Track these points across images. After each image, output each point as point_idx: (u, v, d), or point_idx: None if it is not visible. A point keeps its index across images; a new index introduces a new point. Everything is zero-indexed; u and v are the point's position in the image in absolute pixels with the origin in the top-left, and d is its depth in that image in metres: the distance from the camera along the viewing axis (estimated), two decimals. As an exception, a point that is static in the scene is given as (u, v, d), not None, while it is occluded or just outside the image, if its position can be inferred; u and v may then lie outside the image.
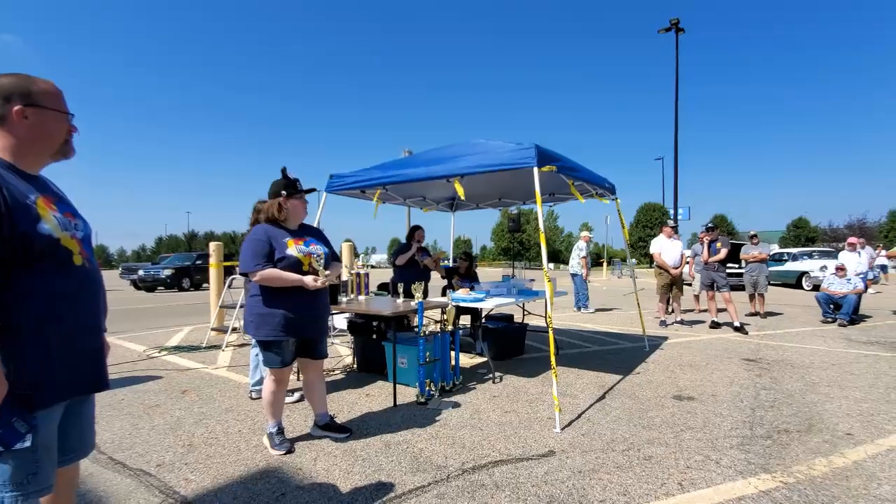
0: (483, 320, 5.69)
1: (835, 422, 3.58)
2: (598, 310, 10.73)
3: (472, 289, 4.84)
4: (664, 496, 2.49)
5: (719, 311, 8.20)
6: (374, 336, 4.88)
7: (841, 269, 8.71)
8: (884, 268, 16.59)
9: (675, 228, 8.45)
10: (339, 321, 6.31)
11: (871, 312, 9.73)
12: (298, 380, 4.09)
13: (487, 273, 30.12)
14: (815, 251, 18.53)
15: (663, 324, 8.18)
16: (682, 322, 8.43)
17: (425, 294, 4.24)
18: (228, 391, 4.40)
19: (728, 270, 8.22)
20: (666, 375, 4.90)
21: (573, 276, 10.48)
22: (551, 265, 49.63)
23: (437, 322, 4.42)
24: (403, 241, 5.90)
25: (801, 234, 44.99)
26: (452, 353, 4.45)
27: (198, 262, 19.89)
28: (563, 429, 3.38)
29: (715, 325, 7.93)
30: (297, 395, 3.95)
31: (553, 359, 3.53)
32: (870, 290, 12.56)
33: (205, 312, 9.10)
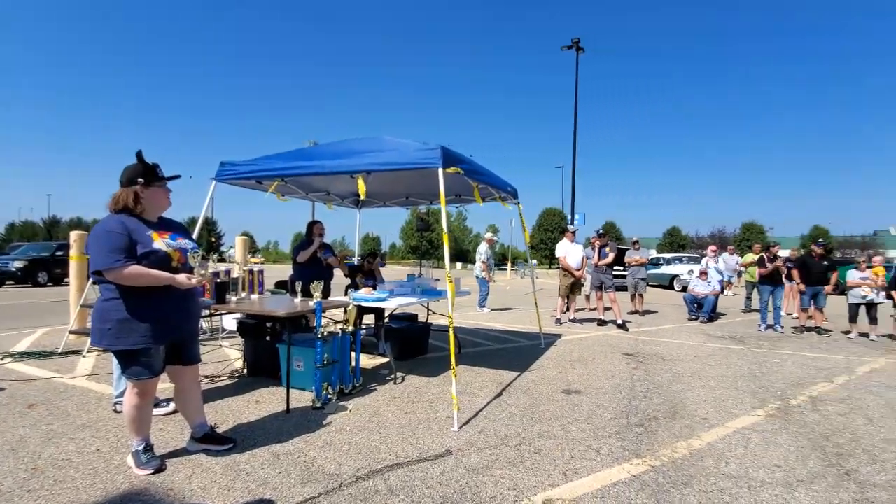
0: (386, 320, 5.60)
1: (694, 408, 4.05)
2: (500, 309, 11.17)
3: (375, 288, 4.73)
4: (550, 487, 2.62)
5: (606, 309, 8.96)
6: (268, 338, 4.56)
7: (703, 273, 9.99)
8: (739, 273, 19.25)
9: (574, 233, 9.06)
10: (229, 322, 5.82)
11: (725, 311, 11.27)
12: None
13: (395, 271, 29.97)
14: (684, 257, 21.14)
15: (559, 322, 8.74)
16: (574, 320, 9.07)
17: (326, 293, 4.06)
18: (88, 404, 3.82)
19: (614, 272, 9.01)
20: (558, 371, 5.21)
21: (476, 277, 10.80)
22: (459, 265, 50.91)
23: (337, 322, 4.25)
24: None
25: (675, 242, 51.16)
26: (353, 355, 4.30)
27: (58, 253, 17.13)
28: (460, 427, 3.42)
29: (602, 323, 8.65)
30: (171, 406, 3.54)
31: (453, 359, 3.57)
32: (727, 292, 14.60)
33: (63, 312, 7.86)
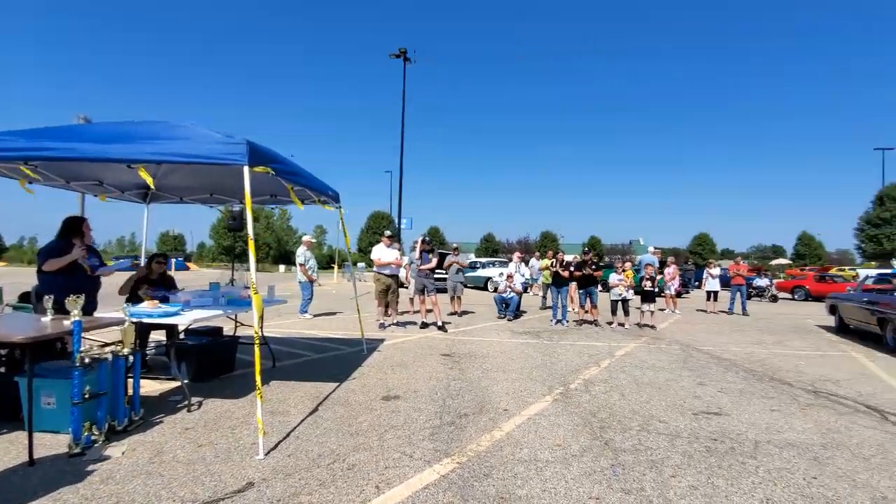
0: (182, 336, 4.80)
1: (497, 401, 4.47)
2: (324, 314, 10.76)
3: (164, 300, 4.00)
4: (361, 504, 2.54)
5: (428, 311, 9.37)
6: (2, 369, 3.47)
7: (510, 277, 11.25)
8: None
9: (391, 237, 9.21)
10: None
11: (527, 309, 12.89)
12: None
13: (204, 275, 26.47)
14: (496, 261, 23.66)
15: (382, 326, 8.79)
16: (397, 324, 9.24)
17: (91, 308, 3.25)
18: None
19: (436, 276, 9.49)
20: (378, 377, 5.19)
21: (299, 282, 10.21)
22: (282, 267, 47.62)
23: (108, 344, 3.45)
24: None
25: (490, 247, 56.93)
26: (130, 382, 3.56)
27: None
28: (267, 454, 3.10)
29: (424, 326, 9.01)
30: None
31: (258, 378, 3.21)
32: (532, 292, 16.76)
33: None
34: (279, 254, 56.88)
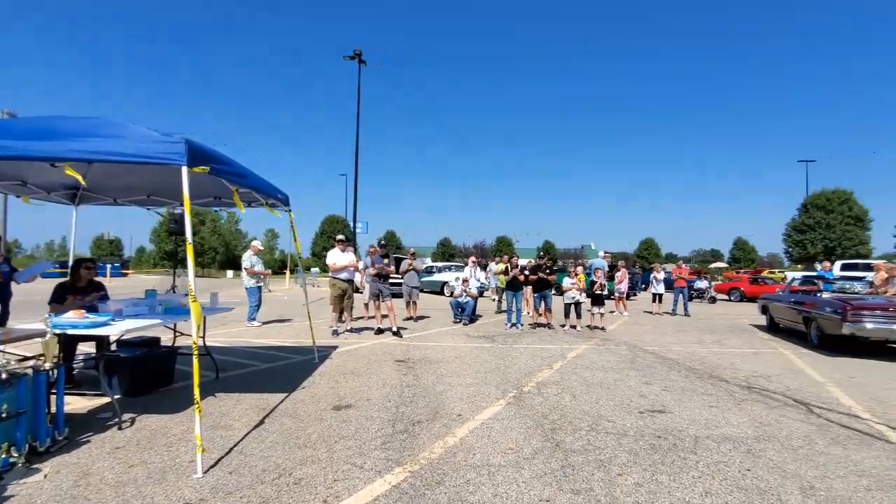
0: (114, 347, 4.47)
1: (451, 406, 4.44)
2: (274, 322, 10.39)
3: (93, 309, 3.70)
4: (308, 520, 2.44)
5: (383, 317, 9.24)
6: None
7: (465, 281, 11.31)
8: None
9: (343, 241, 9.03)
10: None
11: (482, 313, 13.00)
12: None
13: (143, 282, 24.95)
14: (452, 265, 23.78)
15: (336, 333, 8.58)
16: (351, 330, 9.06)
17: (4, 318, 2.96)
18: None
19: (391, 280, 9.38)
20: (330, 386, 5.05)
21: (246, 288, 9.81)
22: (230, 273, 45.63)
23: (27, 358, 3.15)
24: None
25: (446, 251, 57.16)
26: (54, 399, 3.26)
27: None
28: (206, 472, 2.92)
29: (379, 332, 8.87)
30: None
31: (197, 391, 3.03)
32: (492, 296, 16.90)
33: None
34: (226, 259, 54.54)
